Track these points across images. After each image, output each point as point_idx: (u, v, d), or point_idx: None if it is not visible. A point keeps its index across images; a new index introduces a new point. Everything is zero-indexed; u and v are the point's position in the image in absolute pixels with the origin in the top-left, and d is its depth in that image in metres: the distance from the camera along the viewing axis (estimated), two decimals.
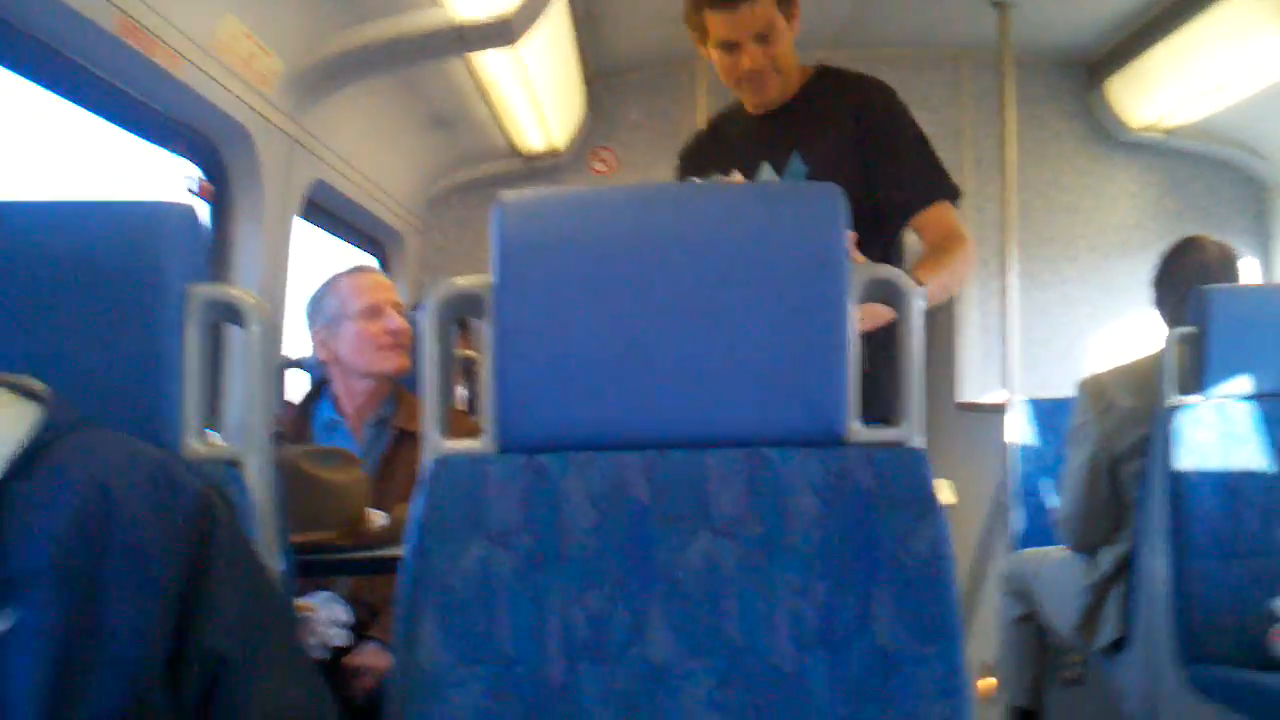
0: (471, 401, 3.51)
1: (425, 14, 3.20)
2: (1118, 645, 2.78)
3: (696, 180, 2.35)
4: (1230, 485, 2.63)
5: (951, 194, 2.30)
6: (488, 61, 3.77)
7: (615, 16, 4.53)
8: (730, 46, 2.24)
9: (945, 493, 1.56)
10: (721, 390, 1.36)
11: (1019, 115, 4.66)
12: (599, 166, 5.33)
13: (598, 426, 1.37)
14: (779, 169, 2.30)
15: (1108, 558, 2.85)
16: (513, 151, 4.98)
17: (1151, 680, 2.65)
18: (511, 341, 1.36)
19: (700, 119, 4.85)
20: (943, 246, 2.21)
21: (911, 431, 1.40)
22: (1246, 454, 2.65)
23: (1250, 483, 2.64)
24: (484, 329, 1.38)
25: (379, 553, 2.17)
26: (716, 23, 2.22)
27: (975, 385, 5.20)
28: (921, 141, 2.30)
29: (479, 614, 1.29)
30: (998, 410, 4.38)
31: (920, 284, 1.98)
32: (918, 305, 1.42)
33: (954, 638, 1.30)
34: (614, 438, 1.37)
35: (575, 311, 1.36)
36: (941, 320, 5.39)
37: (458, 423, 2.49)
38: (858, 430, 1.38)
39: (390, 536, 2.17)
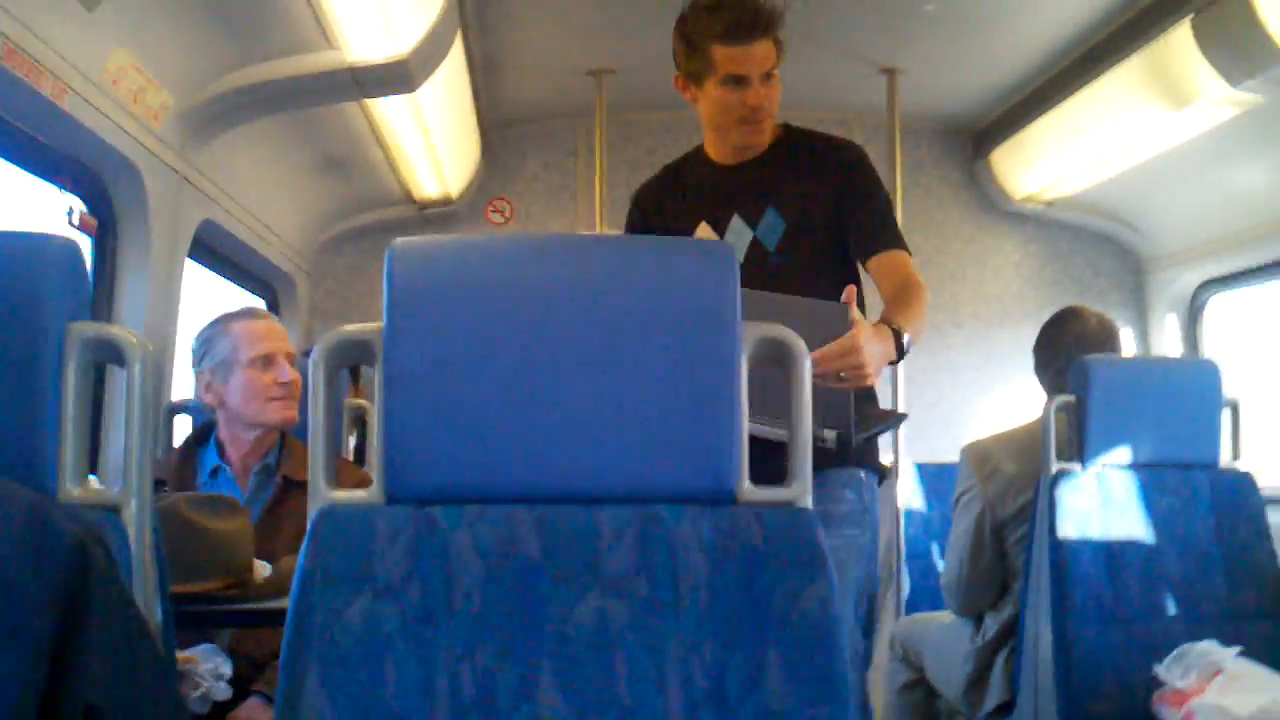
0: (360, 451, 3.46)
1: (321, 56, 3.17)
2: (1004, 710, 2.81)
3: (657, 227, 2.36)
4: (1111, 552, 2.69)
5: (906, 249, 2.32)
6: (384, 106, 3.75)
7: (514, 67, 4.54)
8: (738, 82, 2.23)
9: None
10: (614, 445, 1.35)
11: (906, 182, 4.77)
12: (495, 217, 5.32)
13: (488, 478, 1.35)
14: (751, 222, 2.29)
15: (993, 623, 2.89)
16: (407, 198, 4.95)
17: None
18: (401, 389, 1.33)
19: (599, 174, 4.88)
20: (908, 290, 2.21)
21: (802, 492, 1.41)
22: (1126, 522, 2.72)
23: (1130, 550, 2.71)
24: (375, 377, 1.36)
25: (263, 605, 2.11)
26: (727, 57, 2.21)
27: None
28: (889, 204, 2.35)
29: (364, 670, 1.26)
30: (886, 474, 4.43)
31: (900, 329, 2.03)
32: (806, 366, 1.43)
33: (843, 699, 1.30)
34: (505, 490, 1.35)
35: (467, 360, 1.34)
36: None
37: (346, 472, 2.45)
38: (748, 489, 1.38)
39: (275, 588, 2.12)
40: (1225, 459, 3.14)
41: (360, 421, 3.38)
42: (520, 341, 1.35)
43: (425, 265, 1.37)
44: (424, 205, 5.02)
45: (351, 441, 3.48)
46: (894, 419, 2.45)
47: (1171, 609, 2.83)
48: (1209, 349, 4.70)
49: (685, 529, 1.34)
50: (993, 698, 2.84)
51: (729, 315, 1.38)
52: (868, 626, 2.20)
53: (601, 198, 4.91)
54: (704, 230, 2.30)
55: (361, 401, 3.30)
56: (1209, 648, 2.67)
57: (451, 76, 3.83)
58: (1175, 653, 2.70)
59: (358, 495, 1.35)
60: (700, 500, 1.36)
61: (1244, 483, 3.02)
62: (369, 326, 1.37)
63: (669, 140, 5.29)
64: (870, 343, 1.89)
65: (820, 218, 2.28)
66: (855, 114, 5.25)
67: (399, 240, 1.38)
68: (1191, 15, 3.17)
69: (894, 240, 2.30)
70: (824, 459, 1.94)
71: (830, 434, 1.93)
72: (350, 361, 1.40)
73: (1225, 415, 3.15)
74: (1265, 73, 3.07)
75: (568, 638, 1.29)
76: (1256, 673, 2.63)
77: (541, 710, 1.27)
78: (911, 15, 3.98)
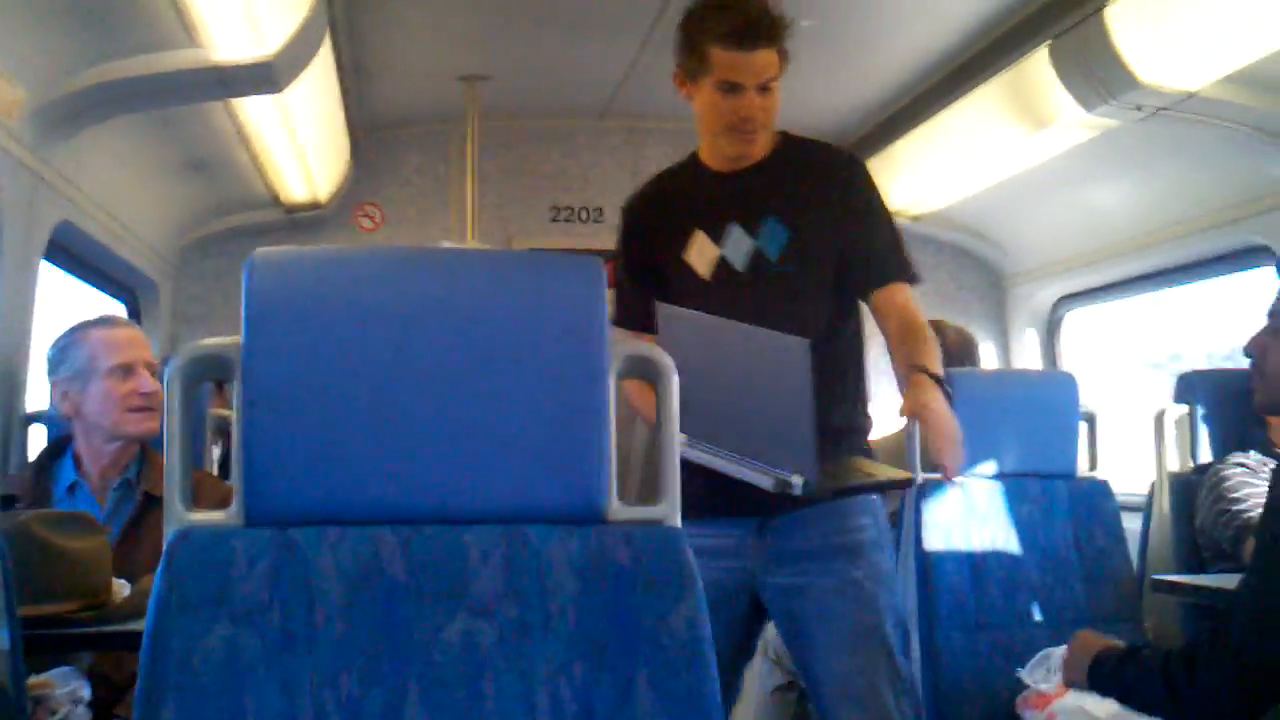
0: (226, 462, 3.37)
1: (184, 54, 3.08)
2: None
3: (649, 240, 2.27)
4: (975, 560, 2.76)
5: (911, 278, 2.26)
6: (250, 106, 3.67)
7: (385, 71, 4.48)
8: (732, 89, 2.13)
9: None
10: (481, 464, 1.34)
11: None
12: (365, 222, 5.24)
13: (351, 499, 1.32)
14: (751, 231, 2.20)
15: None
16: (274, 201, 4.85)
17: None
18: (260, 407, 1.30)
19: (471, 180, 4.83)
20: (917, 333, 2.17)
21: (671, 509, 1.41)
22: (989, 531, 2.79)
23: (993, 558, 2.79)
24: (233, 392, 1.32)
25: (123, 627, 2.03)
26: (724, 62, 2.11)
27: None
28: (890, 219, 2.27)
29: (224, 698, 1.22)
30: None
31: (939, 378, 2.02)
32: (674, 382, 1.43)
33: (712, 718, 1.30)
34: (368, 511, 1.32)
35: (329, 377, 1.31)
36: None
37: (208, 486, 2.39)
38: (617, 508, 1.38)
39: (135, 609, 2.04)
40: (1083, 468, 3.26)
41: (225, 432, 3.29)
42: (384, 358, 1.32)
43: (285, 278, 1.34)
44: (291, 209, 4.93)
45: (215, 452, 3.38)
46: (890, 483, 2.09)
47: (1033, 614, 2.92)
48: (1066, 363, 4.85)
49: (554, 549, 1.33)
50: None
51: (597, 331, 1.37)
52: (907, 651, 2.13)
53: (474, 203, 4.87)
54: (700, 240, 2.22)
55: (225, 412, 3.21)
56: None
57: (320, 78, 3.76)
58: (1037, 656, 2.79)
59: (215, 517, 1.31)
60: (569, 520, 1.35)
61: (1100, 490, 3.13)
62: (227, 341, 1.33)
63: (542, 148, 5.30)
64: (948, 412, 1.96)
65: (826, 227, 2.20)
66: None
67: (258, 251, 1.35)
68: (1050, 40, 3.26)
69: (900, 270, 2.24)
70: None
71: (797, 480, 1.77)
72: (209, 377, 1.36)
73: (1082, 426, 3.27)
74: (1119, 98, 3.17)
75: (434, 661, 1.27)
76: None
77: None
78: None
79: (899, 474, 2.04)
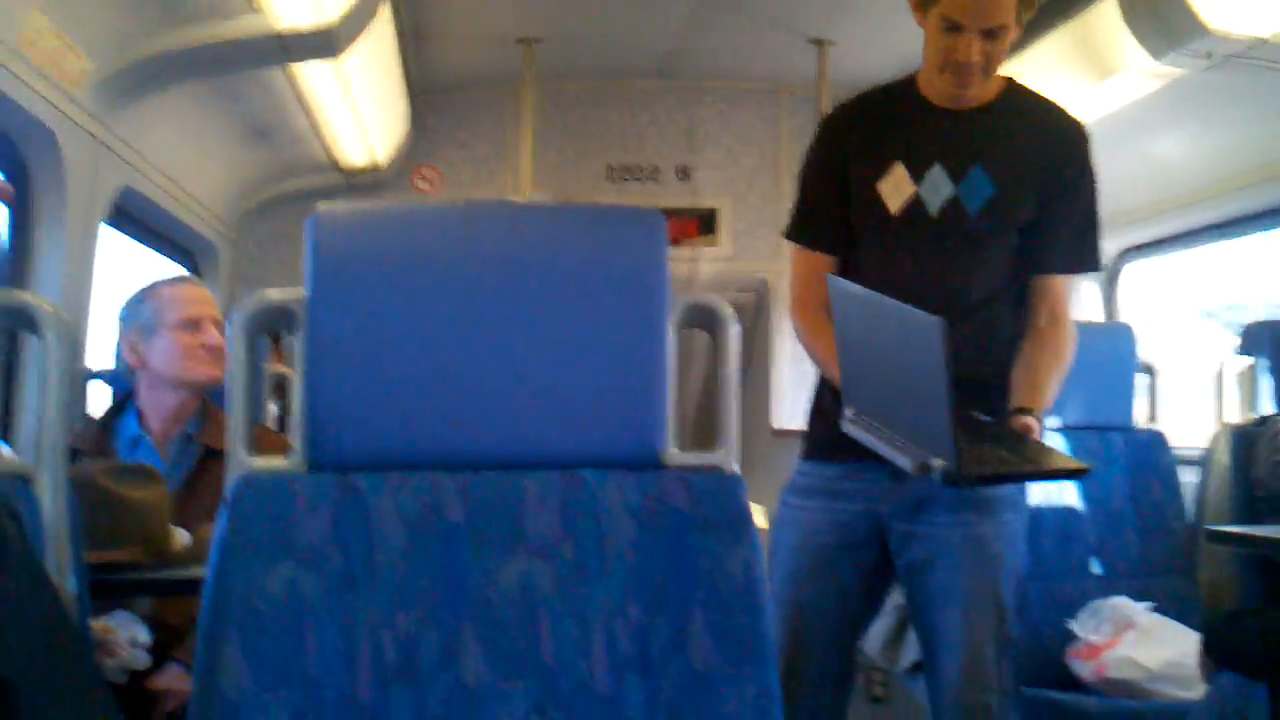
0: (282, 419, 3.42)
1: (245, 20, 3.11)
2: (920, 666, 2.86)
3: (844, 159, 2.13)
4: (1030, 513, 2.74)
5: (1095, 268, 2.18)
6: (309, 73, 3.70)
7: (442, 35, 4.50)
8: (954, 27, 1.97)
9: (759, 517, 1.58)
10: (539, 411, 1.36)
11: None
12: (423, 185, 5.28)
13: (412, 446, 1.34)
14: (955, 177, 2.07)
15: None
16: (333, 166, 4.89)
17: None
18: (324, 356, 1.32)
19: (528, 143, 4.84)
20: (1058, 342, 2.09)
21: (728, 456, 1.42)
22: (1045, 484, 2.77)
23: (1048, 511, 2.77)
24: (296, 344, 1.35)
25: (182, 573, 2.09)
26: None
27: (789, 411, 5.30)
28: (1094, 203, 2.14)
29: (284, 637, 1.25)
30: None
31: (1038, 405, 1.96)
32: (734, 331, 1.44)
33: (767, 660, 1.32)
34: (428, 457, 1.34)
35: (390, 328, 1.33)
36: (758, 348, 5.48)
37: (267, 441, 2.42)
38: (674, 453, 1.39)
39: (194, 556, 2.09)
40: (1141, 420, 3.23)
41: (281, 389, 3.33)
42: (444, 309, 1.34)
43: (349, 232, 1.36)
44: (350, 173, 4.97)
45: (273, 409, 3.43)
46: (1057, 472, 1.95)
47: (1086, 566, 2.91)
48: (1124, 314, 4.78)
49: (611, 493, 1.34)
50: (909, 655, 2.88)
51: (657, 282, 1.38)
52: (1021, 613, 2.09)
53: (531, 166, 4.89)
54: (899, 173, 2.09)
55: (283, 368, 3.25)
56: (1121, 603, 2.76)
57: (379, 43, 3.79)
58: (1088, 607, 2.78)
59: (278, 463, 1.34)
60: (626, 465, 1.36)
61: (1157, 442, 3.10)
62: (291, 292, 1.35)
63: (598, 108, 5.30)
64: None
65: (1032, 193, 2.08)
66: (784, 85, 5.27)
67: (322, 206, 1.37)
68: None
69: (1081, 262, 2.15)
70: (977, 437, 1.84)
71: (938, 464, 1.68)
72: (272, 327, 1.39)
73: (1141, 378, 3.23)
74: (1186, 46, 3.11)
75: (491, 603, 1.30)
76: (1167, 626, 2.71)
77: (465, 675, 1.28)
78: None
79: (1071, 464, 1.89)
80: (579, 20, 4.48)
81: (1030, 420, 1.93)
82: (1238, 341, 3.13)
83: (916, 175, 2.08)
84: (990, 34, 1.97)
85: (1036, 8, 1.98)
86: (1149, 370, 3.27)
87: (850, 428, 1.88)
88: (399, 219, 1.41)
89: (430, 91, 5.12)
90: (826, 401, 2.09)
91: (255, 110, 4.01)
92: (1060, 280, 2.12)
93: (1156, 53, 3.23)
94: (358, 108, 4.24)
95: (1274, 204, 3.65)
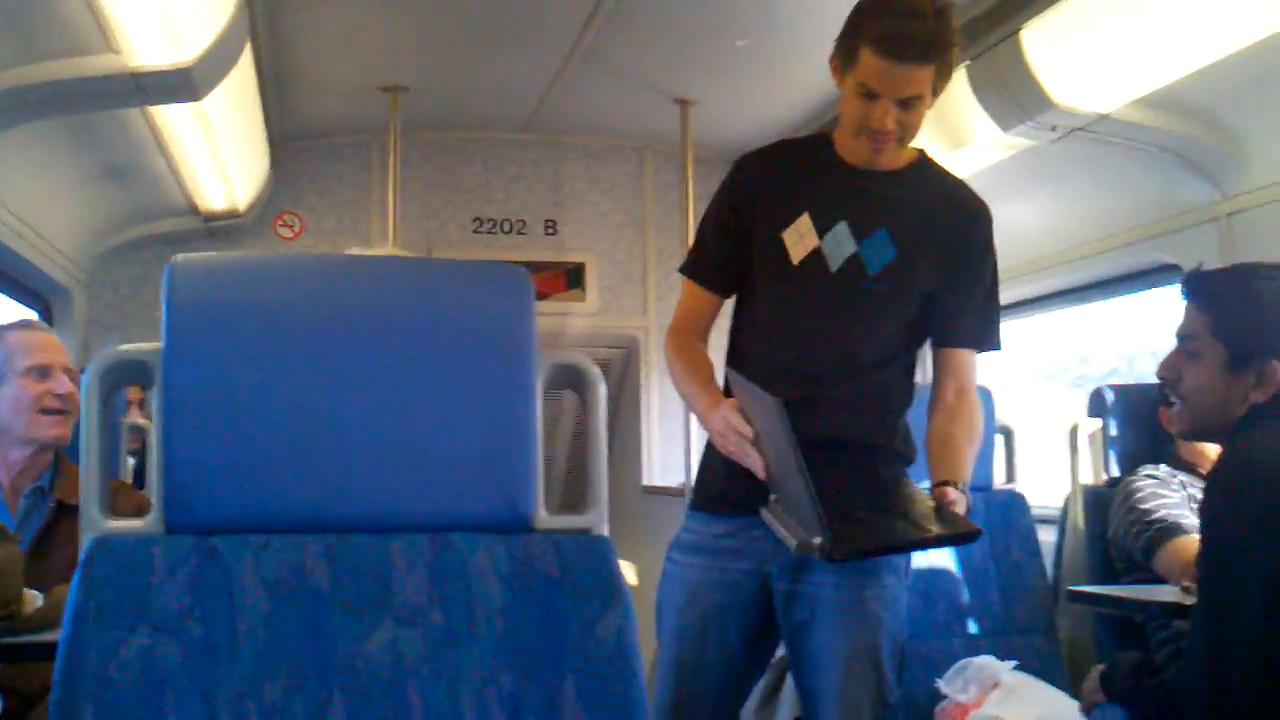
0: (141, 473, 3.31)
1: (101, 59, 3.03)
2: None
3: (758, 198, 2.13)
4: None
5: (998, 346, 2.19)
6: (168, 114, 3.61)
7: (305, 80, 4.44)
8: (870, 95, 1.99)
9: (629, 575, 1.57)
10: (407, 472, 1.33)
11: (698, 209, 4.84)
12: (284, 232, 5.19)
13: (275, 507, 1.31)
14: (859, 235, 2.08)
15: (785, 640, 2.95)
16: (192, 210, 4.78)
17: None
18: (182, 413, 1.28)
19: (392, 192, 4.80)
20: (969, 413, 2.11)
21: (598, 518, 1.41)
22: None
23: (914, 571, 2.81)
24: (153, 399, 1.30)
25: (34, 638, 1.99)
26: (869, 67, 1.97)
27: (659, 468, 5.31)
28: (996, 284, 2.17)
29: (141, 708, 1.20)
30: (680, 494, 4.50)
31: (959, 479, 1.95)
32: (601, 391, 1.44)
33: None
34: (292, 519, 1.31)
35: (252, 384, 1.30)
36: (628, 404, 5.49)
37: (124, 497, 2.34)
38: (544, 516, 1.38)
39: (47, 619, 2.00)
40: (999, 481, 3.32)
41: (140, 443, 3.23)
42: (309, 365, 1.31)
43: (208, 283, 1.33)
44: (209, 217, 4.86)
45: (131, 463, 3.32)
46: (946, 538, 1.92)
47: (951, 625, 2.96)
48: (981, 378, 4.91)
49: (481, 557, 1.33)
50: (784, 713, 2.89)
51: (524, 340, 1.37)
52: (900, 676, 2.09)
53: (395, 214, 4.84)
54: (805, 224, 2.08)
55: (142, 420, 3.15)
56: (986, 662, 2.82)
57: (240, 86, 3.72)
58: (955, 667, 2.83)
59: (134, 524, 1.29)
60: (496, 528, 1.35)
61: (1017, 503, 3.19)
62: (147, 347, 1.31)
63: (465, 159, 5.28)
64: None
65: (932, 264, 2.10)
66: (649, 141, 5.34)
67: (180, 257, 1.33)
68: (967, 61, 3.32)
69: (983, 340, 2.16)
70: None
71: (816, 542, 1.68)
72: (128, 382, 1.34)
73: (998, 440, 3.32)
74: (1035, 118, 3.24)
75: (359, 671, 1.26)
76: (1031, 684, 2.78)
77: None
78: (704, 48, 4.06)
79: (965, 526, 1.85)
80: (445, 71, 4.47)
81: (953, 492, 1.94)
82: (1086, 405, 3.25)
83: (821, 229, 2.09)
84: (905, 103, 1.99)
85: (951, 77, 2.02)
86: (1006, 432, 3.37)
87: (765, 514, 1.90)
88: (260, 270, 1.38)
89: (293, 137, 5.05)
90: (715, 455, 2.10)
91: (112, 151, 3.90)
92: (966, 355, 2.15)
93: (1005, 125, 3.36)
94: (218, 151, 4.16)
95: (1117, 272, 3.81)
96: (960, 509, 1.88)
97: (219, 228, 4.93)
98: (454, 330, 1.36)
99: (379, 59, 4.36)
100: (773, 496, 1.91)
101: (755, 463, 1.89)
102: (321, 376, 1.31)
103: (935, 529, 1.84)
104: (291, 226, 5.20)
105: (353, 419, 1.31)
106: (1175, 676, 1.94)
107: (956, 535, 1.86)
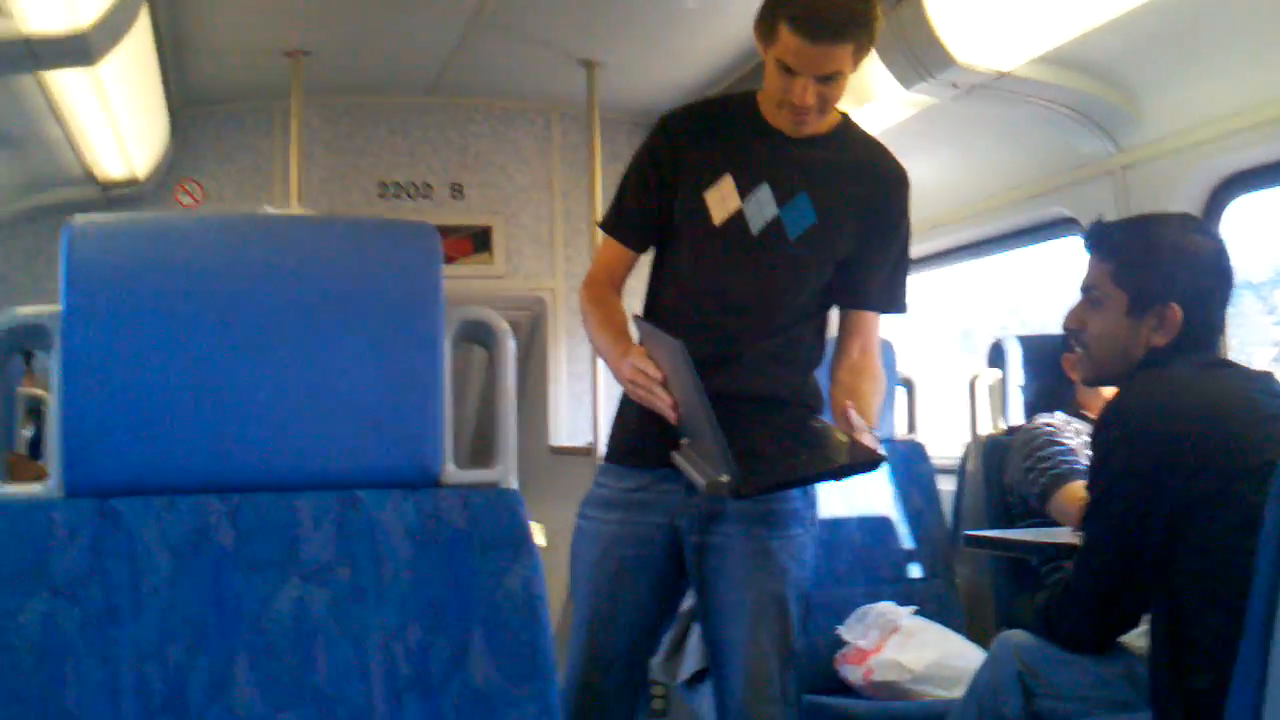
0: (37, 445, 3.25)
1: None
2: (700, 676, 2.91)
3: (681, 158, 2.12)
4: None
5: (904, 310, 2.22)
6: (62, 80, 3.52)
7: (205, 45, 4.36)
8: (788, 71, 2.00)
9: (537, 535, 1.58)
10: (312, 430, 1.33)
11: (605, 170, 4.85)
12: (185, 200, 5.10)
13: (177, 468, 1.30)
14: (780, 200, 2.09)
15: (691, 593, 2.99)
16: (89, 178, 4.67)
17: None
18: (81, 376, 1.27)
19: (295, 157, 4.73)
20: (873, 369, 2.15)
21: (506, 473, 1.42)
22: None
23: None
24: (51, 363, 1.28)
25: None
26: (787, 44, 1.97)
27: (566, 429, 5.33)
28: (907, 248, 2.20)
29: (41, 674, 1.19)
30: (588, 454, 4.51)
31: (870, 425, 1.94)
32: (509, 346, 1.44)
33: (548, 677, 1.32)
34: (195, 480, 1.30)
35: (152, 345, 1.29)
36: (535, 366, 5.50)
37: (21, 469, 2.30)
38: (452, 471, 1.38)
39: None
40: (901, 432, 3.37)
41: (36, 412, 3.17)
42: (210, 325, 1.30)
43: (106, 245, 1.31)
44: (107, 186, 4.75)
45: (26, 434, 3.26)
46: (854, 465, 1.86)
47: (852, 573, 3.02)
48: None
49: (388, 513, 1.33)
50: (688, 666, 2.93)
51: (431, 296, 1.37)
52: (804, 624, 2.12)
53: (298, 182, 4.78)
54: (727, 185, 2.10)
55: (37, 391, 3.09)
56: (886, 607, 2.88)
57: (137, 52, 3.64)
58: (855, 614, 2.89)
59: (32, 489, 1.27)
60: (403, 484, 1.35)
61: (917, 453, 3.25)
62: (44, 309, 1.29)
63: (369, 124, 5.22)
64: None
65: (851, 228, 2.12)
66: (555, 104, 5.31)
67: (78, 218, 1.31)
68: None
69: (890, 303, 2.19)
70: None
71: (725, 479, 1.70)
72: (24, 346, 1.32)
73: (900, 392, 3.38)
74: (936, 76, 3.28)
75: (265, 629, 1.26)
76: (929, 629, 2.85)
77: (236, 705, 1.24)
78: (609, 11, 4.05)
79: (868, 454, 1.83)
80: (348, 34, 4.41)
81: (856, 415, 1.94)
82: (986, 355, 3.31)
83: (744, 191, 2.10)
84: (824, 79, 2.01)
85: (870, 50, 2.04)
86: (907, 384, 3.43)
87: (676, 458, 1.92)
88: (160, 231, 1.36)
89: (193, 103, 4.96)
90: (628, 409, 2.12)
91: (2, 118, 3.80)
92: (872, 317, 2.19)
93: (907, 82, 3.39)
94: (115, 118, 4.07)
95: (1018, 226, 3.88)
96: (866, 439, 1.90)
97: (118, 196, 4.82)
98: (359, 287, 1.36)
99: (280, 23, 4.29)
100: (684, 440, 1.93)
101: (665, 404, 1.91)
102: (223, 335, 1.30)
103: (841, 459, 1.85)
104: (193, 194, 5.11)
105: (255, 377, 1.30)
106: (1047, 597, 2.04)
107: (862, 463, 1.86)
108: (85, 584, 1.23)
